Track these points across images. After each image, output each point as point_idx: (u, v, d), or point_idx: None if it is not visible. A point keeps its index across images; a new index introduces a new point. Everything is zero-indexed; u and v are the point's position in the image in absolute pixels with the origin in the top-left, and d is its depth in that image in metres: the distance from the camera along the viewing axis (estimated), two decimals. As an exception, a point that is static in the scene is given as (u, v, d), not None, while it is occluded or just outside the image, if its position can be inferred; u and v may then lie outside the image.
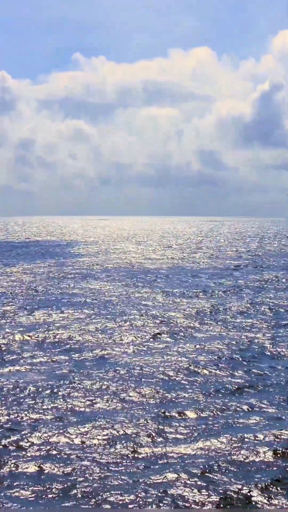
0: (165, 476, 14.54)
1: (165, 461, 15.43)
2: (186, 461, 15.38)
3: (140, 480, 14.35)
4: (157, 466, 15.14)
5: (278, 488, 14.03)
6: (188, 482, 14.29)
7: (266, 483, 14.15)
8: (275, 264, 72.03)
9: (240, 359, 25.70)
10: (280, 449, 16.04)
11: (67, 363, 24.72)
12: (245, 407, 19.49)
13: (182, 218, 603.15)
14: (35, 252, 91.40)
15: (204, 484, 14.21)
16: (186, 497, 13.64)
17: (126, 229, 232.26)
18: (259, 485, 14.04)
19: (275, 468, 15.06)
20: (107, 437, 16.91)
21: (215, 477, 14.55)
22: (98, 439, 16.74)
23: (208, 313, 36.97)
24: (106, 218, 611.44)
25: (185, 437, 17.05)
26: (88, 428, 17.46)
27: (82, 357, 25.84)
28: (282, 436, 16.92)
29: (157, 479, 14.39)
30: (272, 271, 62.90)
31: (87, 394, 20.59)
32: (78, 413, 18.75)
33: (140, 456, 15.74)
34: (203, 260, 78.32)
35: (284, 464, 15.29)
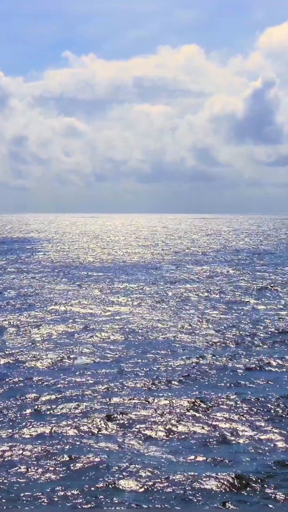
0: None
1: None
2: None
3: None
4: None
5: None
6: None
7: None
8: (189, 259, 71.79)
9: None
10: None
11: None
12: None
13: (177, 216, 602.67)
14: None
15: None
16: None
17: (108, 227, 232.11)
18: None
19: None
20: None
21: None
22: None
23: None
24: (98, 215, 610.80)
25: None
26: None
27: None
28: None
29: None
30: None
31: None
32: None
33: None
34: (129, 257, 78.11)
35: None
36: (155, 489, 13.19)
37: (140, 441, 15.81)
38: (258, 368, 22.87)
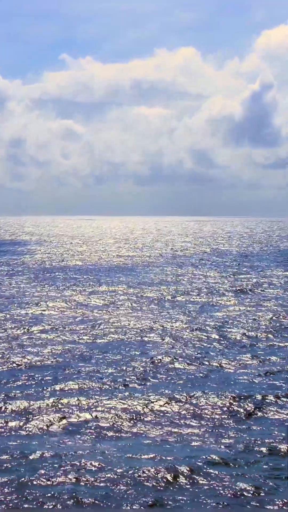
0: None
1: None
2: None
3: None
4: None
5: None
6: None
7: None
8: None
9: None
10: None
11: None
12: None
13: (174, 218, 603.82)
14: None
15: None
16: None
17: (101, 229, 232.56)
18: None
19: None
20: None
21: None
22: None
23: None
24: (94, 218, 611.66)
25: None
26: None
27: None
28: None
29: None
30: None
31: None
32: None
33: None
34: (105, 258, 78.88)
35: None
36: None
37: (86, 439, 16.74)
38: (218, 368, 23.83)
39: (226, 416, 18.27)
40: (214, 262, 72.26)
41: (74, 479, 13.95)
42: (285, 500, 13.13)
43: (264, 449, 15.71)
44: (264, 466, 14.79)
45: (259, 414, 18.49)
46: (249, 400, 19.50)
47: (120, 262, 71.95)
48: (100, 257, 79.58)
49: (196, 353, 26.20)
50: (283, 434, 16.70)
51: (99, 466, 14.61)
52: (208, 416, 18.24)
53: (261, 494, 13.44)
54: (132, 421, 17.74)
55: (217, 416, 18.24)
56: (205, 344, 27.95)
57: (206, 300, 40.95)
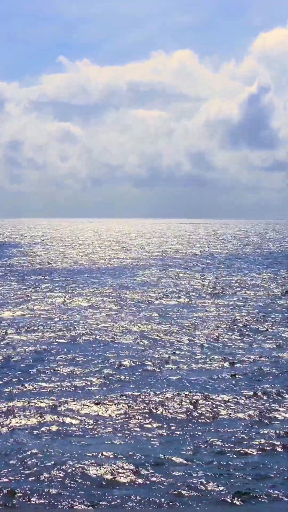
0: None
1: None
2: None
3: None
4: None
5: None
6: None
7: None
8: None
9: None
10: None
11: None
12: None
13: (172, 220, 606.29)
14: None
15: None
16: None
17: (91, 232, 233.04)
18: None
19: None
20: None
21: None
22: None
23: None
24: (92, 220, 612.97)
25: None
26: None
27: None
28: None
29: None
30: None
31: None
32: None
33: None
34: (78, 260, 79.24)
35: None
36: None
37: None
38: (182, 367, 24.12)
39: (186, 417, 18.53)
40: (202, 264, 72.62)
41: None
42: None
43: (218, 449, 15.97)
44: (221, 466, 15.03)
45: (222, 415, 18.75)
46: (212, 401, 19.78)
47: (106, 264, 72.29)
48: (88, 260, 79.98)
49: (165, 354, 26.46)
50: (249, 435, 16.96)
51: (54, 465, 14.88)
52: (169, 416, 18.49)
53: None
54: (95, 423, 17.97)
55: (178, 416, 18.49)
56: (175, 345, 28.21)
57: (183, 301, 41.28)
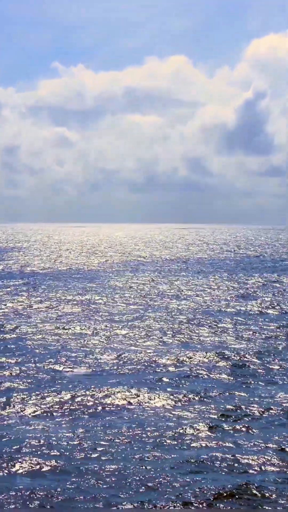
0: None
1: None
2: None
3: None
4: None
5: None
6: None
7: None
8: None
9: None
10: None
11: None
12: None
13: (167, 225, 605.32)
14: None
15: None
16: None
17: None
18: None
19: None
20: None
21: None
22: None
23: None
24: (90, 225, 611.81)
25: None
26: None
27: None
28: None
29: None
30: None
31: None
32: None
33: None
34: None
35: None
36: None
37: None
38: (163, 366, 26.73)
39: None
40: (180, 270, 74.89)
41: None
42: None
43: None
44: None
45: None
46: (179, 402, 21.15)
47: (85, 268, 74.46)
48: (66, 264, 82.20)
49: (125, 355, 28.03)
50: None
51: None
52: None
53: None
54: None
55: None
56: (143, 346, 30.05)
57: (152, 303, 43.78)
